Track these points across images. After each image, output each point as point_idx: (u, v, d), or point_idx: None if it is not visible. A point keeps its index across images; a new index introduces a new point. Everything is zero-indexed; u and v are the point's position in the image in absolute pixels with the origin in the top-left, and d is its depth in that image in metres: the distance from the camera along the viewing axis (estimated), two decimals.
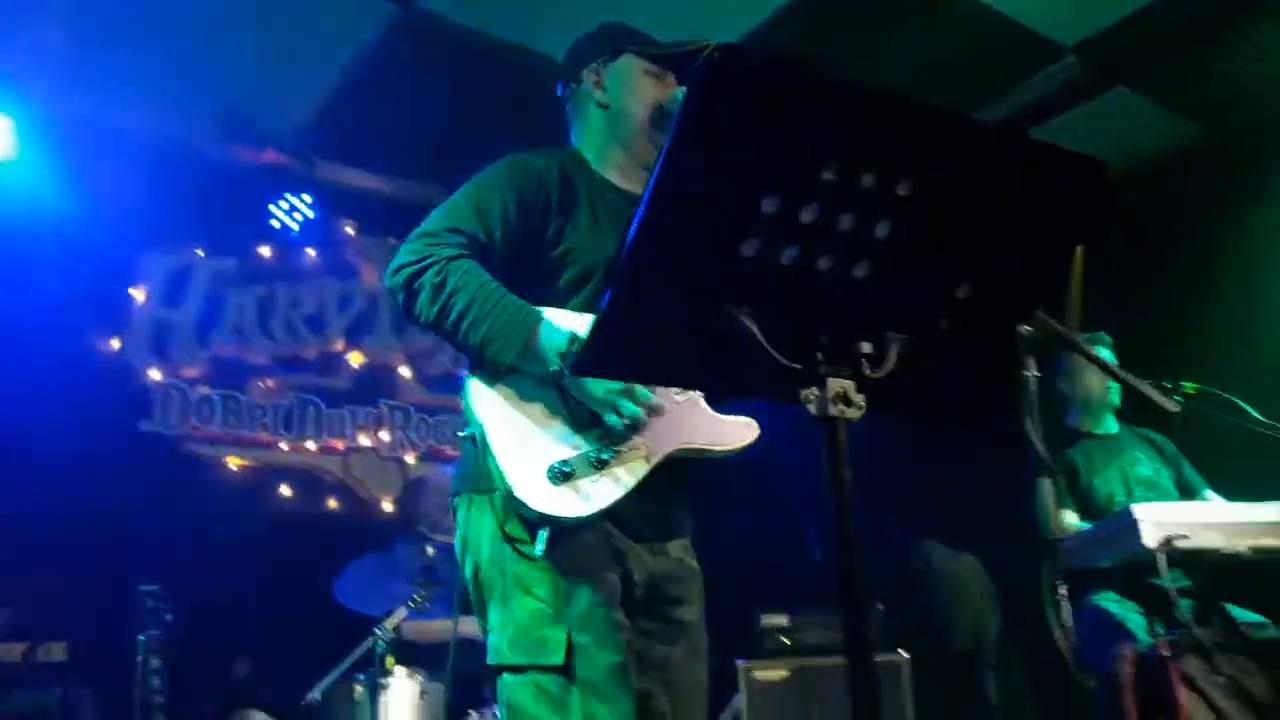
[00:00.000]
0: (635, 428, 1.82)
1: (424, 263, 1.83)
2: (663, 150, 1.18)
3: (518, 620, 1.78)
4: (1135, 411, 3.86)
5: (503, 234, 1.91)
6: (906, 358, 1.34)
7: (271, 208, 4.56)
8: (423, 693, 3.52)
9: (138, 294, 4.36)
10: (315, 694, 3.59)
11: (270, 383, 4.55)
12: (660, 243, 1.23)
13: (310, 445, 4.55)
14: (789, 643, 4.35)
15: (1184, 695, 2.97)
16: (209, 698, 3.83)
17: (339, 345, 4.72)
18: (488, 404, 1.83)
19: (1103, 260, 4.97)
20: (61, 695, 3.46)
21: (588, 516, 1.77)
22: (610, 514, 1.79)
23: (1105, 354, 3.89)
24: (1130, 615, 3.28)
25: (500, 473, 1.75)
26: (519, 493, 1.74)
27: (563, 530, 1.77)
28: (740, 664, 4.23)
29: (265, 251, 4.67)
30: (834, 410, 1.28)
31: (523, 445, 1.78)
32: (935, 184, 1.25)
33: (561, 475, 1.75)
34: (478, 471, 1.82)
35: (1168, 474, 3.80)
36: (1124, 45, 4.29)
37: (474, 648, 2.22)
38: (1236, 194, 4.68)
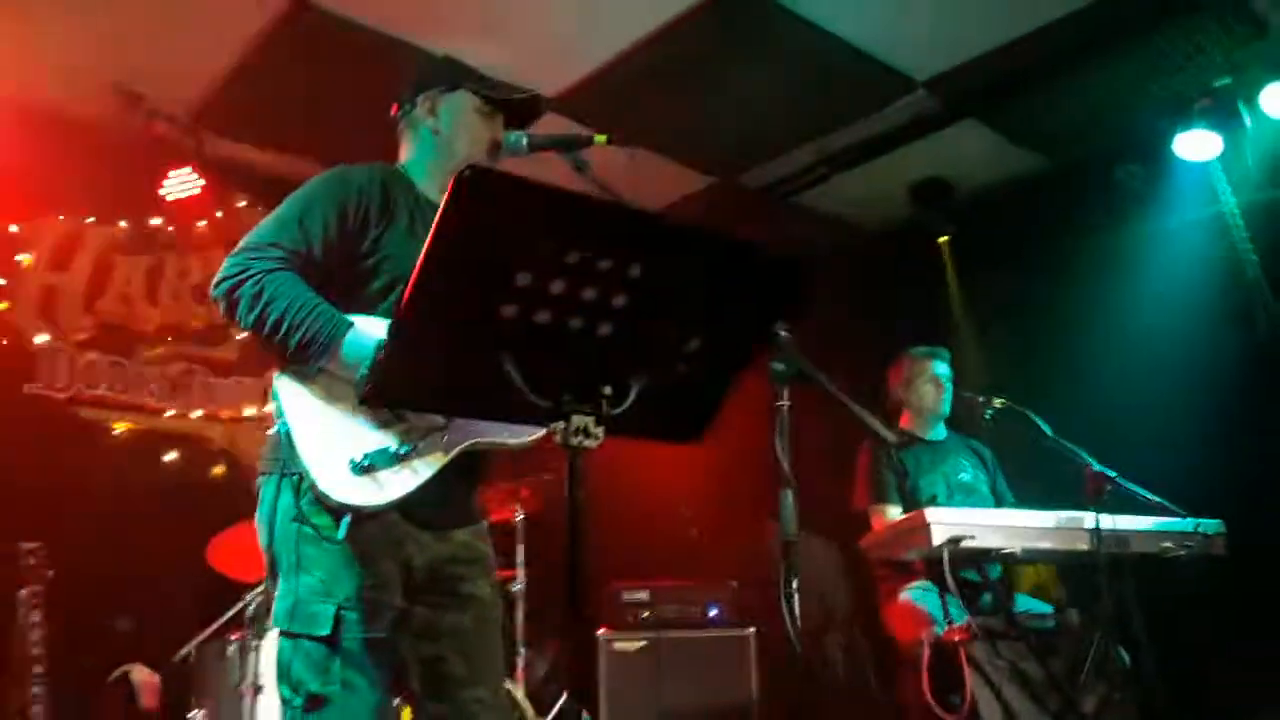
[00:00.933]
0: (435, 424, 2.06)
1: (242, 275, 2.05)
2: (431, 231, 1.42)
3: (297, 593, 2.03)
4: (963, 424, 4.26)
5: (323, 244, 2.13)
6: (647, 396, 1.61)
7: (162, 180, 4.65)
8: None
9: (25, 259, 4.46)
10: (189, 650, 3.81)
11: (158, 350, 4.68)
12: (433, 303, 1.48)
13: (196, 413, 4.71)
14: (646, 616, 4.68)
15: (969, 676, 3.35)
16: (91, 652, 3.99)
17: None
18: (296, 402, 2.06)
19: (966, 275, 5.37)
20: None
21: (384, 505, 2.02)
22: (403, 503, 2.04)
23: (943, 367, 4.27)
24: (934, 604, 3.64)
25: (305, 467, 2.00)
26: (322, 485, 1.99)
27: (360, 517, 2.02)
28: (600, 635, 4.56)
29: (155, 222, 4.77)
30: (574, 441, 1.56)
31: (328, 439, 2.03)
32: (661, 268, 1.52)
33: (362, 468, 2.00)
34: (284, 457, 2.06)
35: (985, 480, 4.20)
36: (973, 83, 4.63)
37: None
38: (1075, 220, 5.06)
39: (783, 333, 2.06)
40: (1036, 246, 5.15)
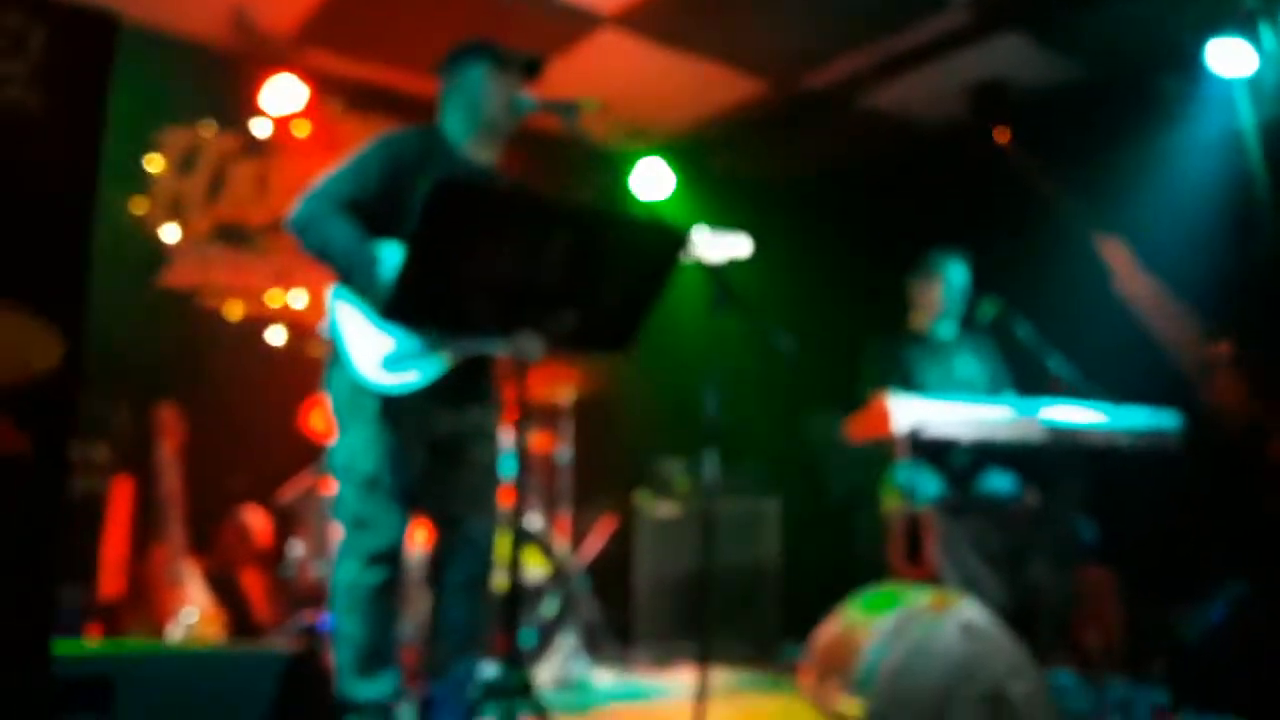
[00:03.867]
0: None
1: (307, 222, 2.74)
2: (421, 211, 2.02)
3: (349, 446, 2.78)
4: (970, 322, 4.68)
5: (374, 194, 2.78)
6: (581, 323, 2.20)
7: (268, 92, 5.30)
8: None
9: (155, 168, 5.21)
10: (291, 498, 4.64)
11: (268, 241, 5.43)
12: (424, 262, 2.08)
13: (299, 295, 5.48)
14: (682, 487, 5.33)
15: (930, 544, 3.92)
16: (214, 497, 4.86)
17: None
18: (344, 312, 2.76)
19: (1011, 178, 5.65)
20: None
21: (408, 388, 2.71)
22: (424, 387, 2.72)
23: (957, 271, 4.66)
24: (915, 481, 4.18)
25: (350, 361, 2.70)
26: (361, 374, 2.70)
27: (392, 397, 2.71)
28: (637, 500, 5.24)
29: (263, 129, 5.46)
30: (520, 355, 2.17)
31: (365, 340, 2.72)
32: (585, 237, 2.09)
33: (393, 361, 2.67)
34: (337, 351, 2.78)
35: (986, 374, 4.63)
36: None
37: None
38: (1108, 130, 5.30)
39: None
40: (1070, 157, 5.42)
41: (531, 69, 3.01)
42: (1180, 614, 4.15)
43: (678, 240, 2.24)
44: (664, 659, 4.83)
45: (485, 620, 2.99)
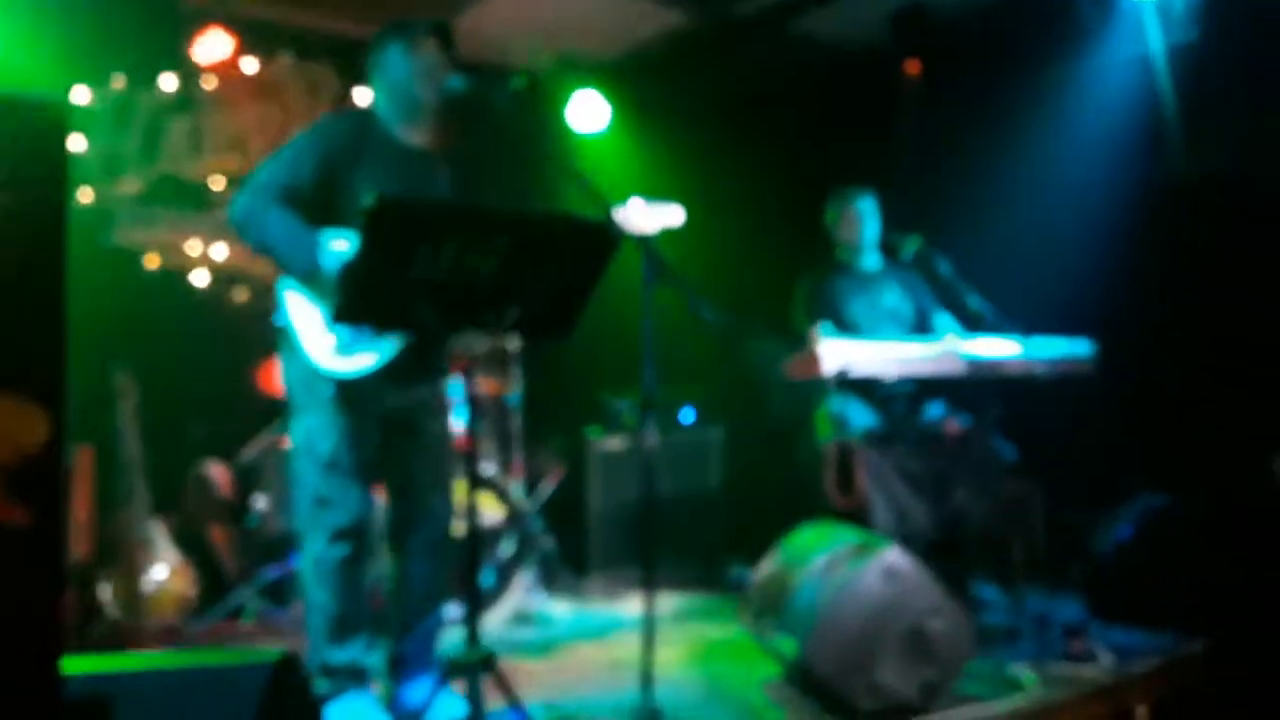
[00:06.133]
0: None
1: (246, 217, 2.86)
2: (362, 228, 2.14)
3: (308, 428, 2.94)
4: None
5: (310, 182, 2.90)
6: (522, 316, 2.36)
7: (196, 43, 5.26)
8: None
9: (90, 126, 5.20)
10: (251, 454, 4.79)
11: (206, 198, 5.46)
12: (367, 272, 2.21)
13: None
14: (629, 422, 5.55)
15: (861, 474, 4.18)
16: (174, 453, 4.99)
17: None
18: (294, 302, 2.90)
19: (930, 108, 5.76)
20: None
21: (359, 373, 2.87)
22: (375, 370, 2.87)
23: (866, 203, 4.85)
24: (850, 415, 4.43)
25: (302, 349, 2.84)
26: (314, 361, 2.84)
27: (345, 380, 2.87)
28: (588, 436, 5.46)
29: (195, 83, 5.44)
30: (464, 349, 2.33)
31: (313, 327, 2.86)
32: (519, 238, 2.23)
33: (344, 347, 2.83)
34: (289, 339, 2.93)
35: (912, 302, 4.85)
36: None
37: None
38: (1025, 53, 5.44)
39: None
40: (989, 81, 5.56)
41: (442, 33, 3.08)
42: (1097, 522, 4.49)
43: (611, 236, 2.40)
44: (617, 588, 5.09)
45: (446, 575, 3.21)
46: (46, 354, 1.36)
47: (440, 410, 3.15)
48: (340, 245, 2.82)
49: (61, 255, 1.37)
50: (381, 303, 2.31)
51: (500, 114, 2.99)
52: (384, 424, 3.00)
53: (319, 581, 2.92)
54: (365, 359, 2.85)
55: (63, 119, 1.41)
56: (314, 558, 2.93)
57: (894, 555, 3.06)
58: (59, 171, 1.39)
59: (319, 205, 2.89)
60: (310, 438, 2.92)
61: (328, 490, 2.91)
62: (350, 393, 2.89)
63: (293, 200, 2.85)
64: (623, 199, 3.15)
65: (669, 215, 3.27)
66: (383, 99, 3.10)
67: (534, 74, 3.01)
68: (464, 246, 2.22)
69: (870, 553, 3.07)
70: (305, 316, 2.88)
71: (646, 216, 3.21)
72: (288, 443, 4.52)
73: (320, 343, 2.84)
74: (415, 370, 3.01)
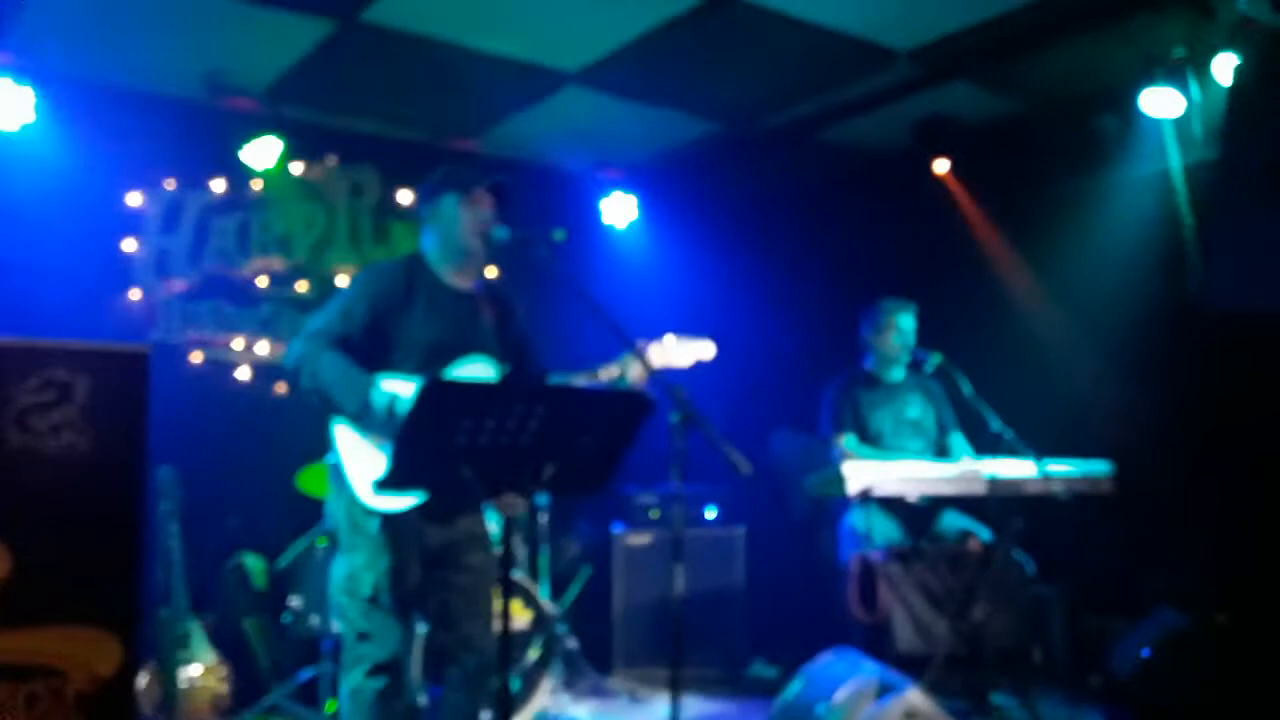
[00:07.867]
0: None
1: (299, 365, 3.00)
2: (413, 401, 2.27)
3: (350, 565, 3.05)
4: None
5: (361, 328, 3.05)
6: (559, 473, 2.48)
7: (244, 147, 5.47)
8: None
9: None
10: (289, 556, 4.91)
11: (251, 294, 5.66)
12: (416, 442, 2.34)
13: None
14: (654, 516, 5.66)
15: (884, 590, 4.26)
16: (211, 546, 5.13)
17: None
18: (344, 438, 3.04)
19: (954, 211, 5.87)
20: None
21: (402, 510, 2.98)
22: (418, 507, 2.99)
23: (908, 320, 4.95)
24: (873, 527, 4.52)
25: (349, 484, 2.99)
26: (359, 497, 2.98)
27: (389, 517, 2.99)
28: (614, 531, 5.57)
29: (242, 184, 5.66)
30: (508, 510, 2.45)
31: (362, 464, 3.00)
32: (556, 407, 2.36)
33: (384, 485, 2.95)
34: (338, 475, 3.06)
35: (933, 414, 4.96)
36: (956, 49, 5.04)
37: None
38: (1046, 168, 5.56)
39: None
40: (1010, 192, 5.69)
41: (499, 192, 3.24)
42: (1117, 627, 4.53)
43: (644, 404, 2.52)
44: (640, 689, 5.15)
45: (484, 702, 3.29)
46: (125, 589, 1.49)
47: (482, 541, 3.26)
48: (391, 385, 2.97)
49: (143, 497, 1.51)
50: (427, 469, 2.44)
51: (541, 261, 3.12)
52: (426, 558, 3.11)
53: (356, 712, 3.02)
54: (409, 497, 2.98)
55: (144, 368, 1.55)
56: (352, 688, 3.04)
57: (915, 696, 3.14)
58: (140, 417, 1.53)
59: (370, 349, 3.05)
60: (353, 574, 3.04)
61: (368, 625, 3.02)
62: (394, 528, 3.02)
63: (345, 346, 3.01)
64: (656, 335, 3.30)
65: (701, 350, 3.40)
66: (432, 242, 3.25)
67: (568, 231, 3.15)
68: (505, 418, 2.35)
69: (892, 692, 3.15)
70: (355, 453, 3.01)
71: (679, 352, 3.34)
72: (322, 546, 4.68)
73: (368, 477, 2.97)
74: (459, 504, 3.14)
